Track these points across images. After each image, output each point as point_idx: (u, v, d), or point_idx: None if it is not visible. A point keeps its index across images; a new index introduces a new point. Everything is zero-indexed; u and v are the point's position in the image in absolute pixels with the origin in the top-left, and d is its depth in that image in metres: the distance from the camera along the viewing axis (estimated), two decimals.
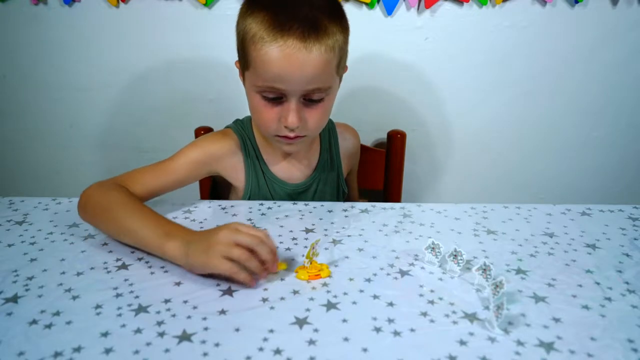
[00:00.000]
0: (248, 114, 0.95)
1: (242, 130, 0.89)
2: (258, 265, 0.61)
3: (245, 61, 0.76)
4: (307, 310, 0.58)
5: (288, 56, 0.71)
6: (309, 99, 0.76)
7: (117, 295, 0.60)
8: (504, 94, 1.33)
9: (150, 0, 1.23)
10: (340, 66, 0.79)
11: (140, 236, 0.67)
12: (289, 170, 0.91)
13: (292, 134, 0.78)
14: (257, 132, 0.90)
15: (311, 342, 0.53)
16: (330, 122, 0.96)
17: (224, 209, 0.84)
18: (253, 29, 0.72)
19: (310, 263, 0.65)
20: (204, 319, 0.56)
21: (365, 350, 0.52)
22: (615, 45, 1.27)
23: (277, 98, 0.76)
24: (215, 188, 1.00)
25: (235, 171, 0.89)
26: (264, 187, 0.89)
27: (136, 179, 0.79)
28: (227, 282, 0.62)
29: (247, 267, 0.61)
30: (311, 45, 0.71)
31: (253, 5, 0.74)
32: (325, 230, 0.77)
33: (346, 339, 0.53)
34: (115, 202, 0.72)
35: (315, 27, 0.71)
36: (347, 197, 1.02)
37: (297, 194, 0.91)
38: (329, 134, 0.95)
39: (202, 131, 1.09)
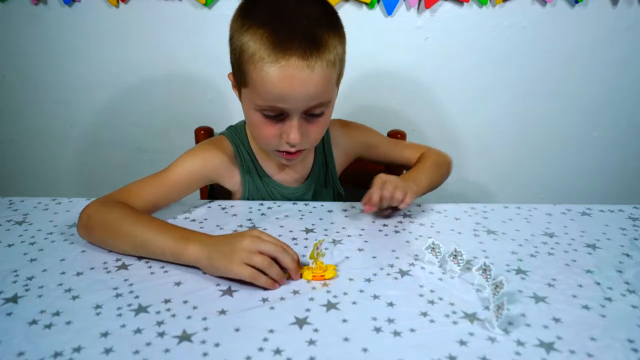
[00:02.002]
0: None
1: (236, 137, 0.89)
2: (279, 273, 0.62)
3: (243, 79, 0.74)
4: (307, 310, 0.58)
5: (290, 77, 0.69)
6: (310, 114, 0.76)
7: (117, 295, 0.60)
8: (503, 94, 1.33)
9: (150, 0, 1.23)
10: (340, 76, 0.79)
11: (157, 246, 0.66)
12: (285, 174, 0.91)
13: (293, 149, 0.78)
14: (252, 139, 0.89)
15: (311, 342, 0.53)
16: None
17: (224, 209, 0.84)
18: (251, 47, 0.70)
19: (315, 263, 0.65)
20: (204, 319, 0.56)
21: (365, 350, 0.52)
22: (615, 45, 1.27)
23: (278, 115, 0.75)
24: (212, 193, 1.00)
25: (231, 179, 0.88)
26: (262, 192, 0.89)
27: (134, 193, 0.77)
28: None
29: (267, 274, 0.61)
30: (313, 63, 0.69)
31: (248, 20, 0.71)
32: (325, 230, 0.77)
33: (346, 339, 0.53)
34: (123, 217, 0.70)
35: (316, 43, 0.70)
36: (402, 163, 0.99)
37: (295, 198, 0.91)
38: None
39: (202, 131, 1.09)
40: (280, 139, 0.77)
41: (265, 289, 0.61)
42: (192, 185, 0.83)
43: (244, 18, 0.72)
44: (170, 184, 0.80)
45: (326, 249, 0.70)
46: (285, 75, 0.69)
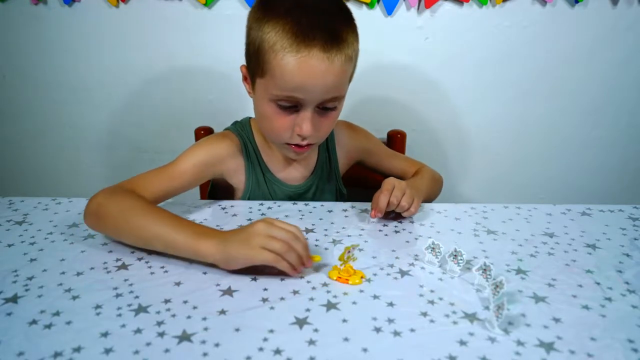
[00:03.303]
0: (247, 115, 0.95)
1: (242, 132, 0.89)
2: (297, 258, 0.63)
3: (260, 69, 0.74)
4: (307, 310, 0.58)
5: (311, 67, 0.70)
6: (323, 107, 0.76)
7: (117, 295, 0.60)
8: (503, 94, 1.33)
9: (150, 0, 1.23)
10: (353, 73, 0.80)
11: (169, 239, 0.66)
12: (289, 171, 0.91)
13: (304, 142, 0.79)
14: (258, 134, 0.89)
15: (311, 342, 0.53)
16: None
17: (224, 209, 0.84)
18: (272, 37, 0.70)
19: (344, 265, 0.65)
20: (204, 319, 0.56)
21: (365, 350, 0.52)
22: (615, 45, 1.27)
23: (292, 106, 0.75)
24: (213, 190, 0.99)
25: (236, 173, 0.88)
26: (264, 189, 0.89)
27: (142, 184, 0.77)
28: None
29: (286, 259, 0.62)
30: (333, 56, 0.71)
31: (269, 12, 0.72)
32: (325, 230, 0.77)
33: (346, 339, 0.53)
34: (134, 208, 0.70)
35: (337, 37, 0.71)
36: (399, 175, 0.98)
37: (297, 195, 0.91)
38: None
39: (202, 131, 1.09)
40: (292, 132, 0.77)
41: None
42: (199, 177, 0.84)
43: (264, 9, 0.73)
44: (177, 176, 0.80)
45: (325, 248, 0.70)
46: (306, 65, 0.70)
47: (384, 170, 1.01)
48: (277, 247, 0.61)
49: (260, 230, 0.63)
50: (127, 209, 0.70)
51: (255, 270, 0.63)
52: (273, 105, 0.76)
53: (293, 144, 0.79)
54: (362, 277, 0.64)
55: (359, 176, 1.08)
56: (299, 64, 0.70)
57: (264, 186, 0.89)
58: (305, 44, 0.69)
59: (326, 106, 0.76)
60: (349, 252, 0.64)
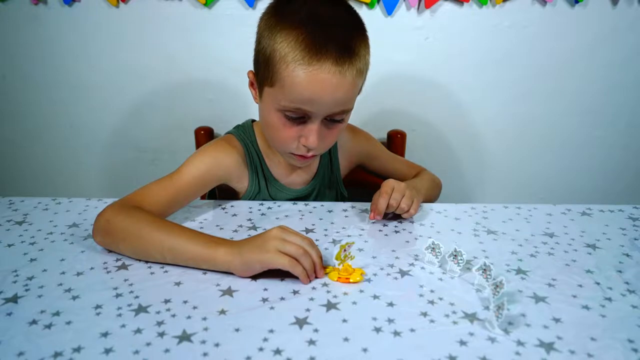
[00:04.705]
0: (247, 116, 0.95)
1: (245, 136, 0.88)
2: (311, 264, 0.63)
3: (269, 78, 0.73)
4: (307, 310, 0.58)
5: (322, 80, 0.69)
6: (330, 119, 0.76)
7: (117, 295, 0.60)
8: (503, 94, 1.33)
9: (150, 0, 1.23)
10: (363, 85, 0.79)
11: (186, 251, 0.65)
12: (292, 177, 0.91)
13: (309, 154, 0.78)
14: (261, 139, 0.89)
15: (311, 342, 0.53)
16: None
17: (224, 209, 0.84)
18: (285, 48, 0.69)
19: (342, 265, 0.65)
20: (204, 319, 0.56)
21: (365, 350, 0.52)
22: (615, 45, 1.27)
23: (300, 118, 0.74)
24: (213, 193, 0.99)
25: (240, 180, 0.88)
26: (265, 194, 0.89)
27: (149, 197, 0.75)
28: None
29: (301, 263, 0.62)
30: (345, 70, 0.70)
31: (282, 21, 0.71)
32: (325, 230, 0.77)
33: (346, 339, 0.53)
34: (144, 223, 0.68)
35: (350, 51, 0.70)
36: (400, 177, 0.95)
37: (298, 199, 0.91)
38: None
39: (202, 131, 1.09)
40: (298, 142, 0.77)
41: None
42: (205, 185, 0.83)
43: (277, 17, 0.72)
44: (183, 186, 0.79)
45: (325, 248, 0.70)
46: (317, 79, 0.69)
47: (385, 173, 1.00)
48: (293, 250, 0.61)
49: (275, 234, 0.63)
50: (137, 224, 0.68)
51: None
52: (280, 115, 0.75)
53: (298, 154, 0.79)
54: (362, 274, 0.64)
55: (359, 177, 1.08)
56: (310, 77, 0.69)
57: (265, 191, 0.89)
58: (317, 58, 0.68)
59: (334, 119, 0.76)
60: (344, 250, 0.64)
